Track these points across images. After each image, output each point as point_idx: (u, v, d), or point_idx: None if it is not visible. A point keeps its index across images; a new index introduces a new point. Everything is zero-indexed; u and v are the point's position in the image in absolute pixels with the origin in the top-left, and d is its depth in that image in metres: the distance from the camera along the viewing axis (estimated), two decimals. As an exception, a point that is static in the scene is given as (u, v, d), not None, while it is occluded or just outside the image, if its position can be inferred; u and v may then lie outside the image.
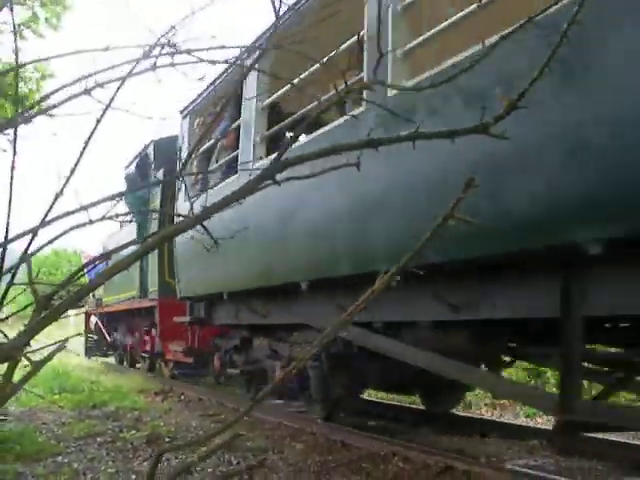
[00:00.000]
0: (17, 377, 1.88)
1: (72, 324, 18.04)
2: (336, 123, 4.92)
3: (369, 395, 7.92)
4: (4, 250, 2.02)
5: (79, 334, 14.31)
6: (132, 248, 1.99)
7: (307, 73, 4.70)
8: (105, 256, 2.26)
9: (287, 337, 6.28)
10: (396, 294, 3.01)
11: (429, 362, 4.45)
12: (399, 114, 2.66)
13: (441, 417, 6.36)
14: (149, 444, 5.16)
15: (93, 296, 13.91)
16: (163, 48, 1.80)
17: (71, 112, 1.97)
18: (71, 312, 1.97)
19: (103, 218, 2.07)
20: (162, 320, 9.96)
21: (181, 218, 2.10)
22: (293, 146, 2.08)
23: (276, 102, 6.21)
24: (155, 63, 1.83)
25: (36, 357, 2.08)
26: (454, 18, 3.85)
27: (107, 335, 14.59)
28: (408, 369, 4.83)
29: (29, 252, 2.00)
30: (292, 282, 5.31)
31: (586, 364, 4.07)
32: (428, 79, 3.82)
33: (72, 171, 1.89)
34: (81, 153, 1.89)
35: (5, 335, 1.99)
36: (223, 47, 1.84)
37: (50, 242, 1.98)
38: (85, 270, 2.30)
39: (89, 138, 1.90)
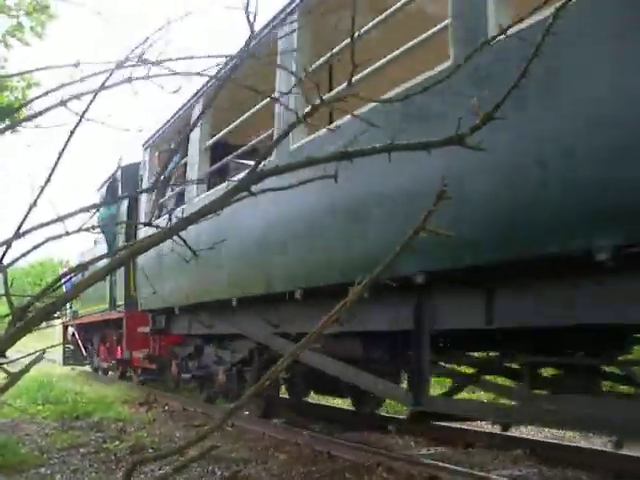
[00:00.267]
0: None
1: (58, 335, 18.10)
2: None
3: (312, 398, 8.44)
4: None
5: (57, 345, 14.98)
6: (105, 261, 1.99)
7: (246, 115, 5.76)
8: (80, 268, 2.25)
9: (228, 345, 7.26)
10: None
11: (324, 365, 5.32)
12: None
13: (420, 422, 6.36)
14: (133, 455, 5.11)
15: (71, 307, 14.88)
16: (138, 60, 1.80)
17: (47, 124, 1.97)
18: (45, 324, 1.96)
19: (79, 230, 2.06)
20: (129, 331, 10.97)
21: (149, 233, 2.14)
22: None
23: (221, 139, 6.95)
24: (130, 76, 1.83)
25: (16, 368, 2.06)
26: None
27: (82, 345, 15.40)
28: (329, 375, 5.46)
29: (4, 263, 1.99)
30: (225, 299, 6.19)
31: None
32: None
33: (46, 182, 1.88)
34: (55, 164, 1.88)
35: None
36: (192, 57, 1.85)
37: (25, 254, 1.97)
38: (62, 281, 2.29)
39: (63, 149, 1.90)
